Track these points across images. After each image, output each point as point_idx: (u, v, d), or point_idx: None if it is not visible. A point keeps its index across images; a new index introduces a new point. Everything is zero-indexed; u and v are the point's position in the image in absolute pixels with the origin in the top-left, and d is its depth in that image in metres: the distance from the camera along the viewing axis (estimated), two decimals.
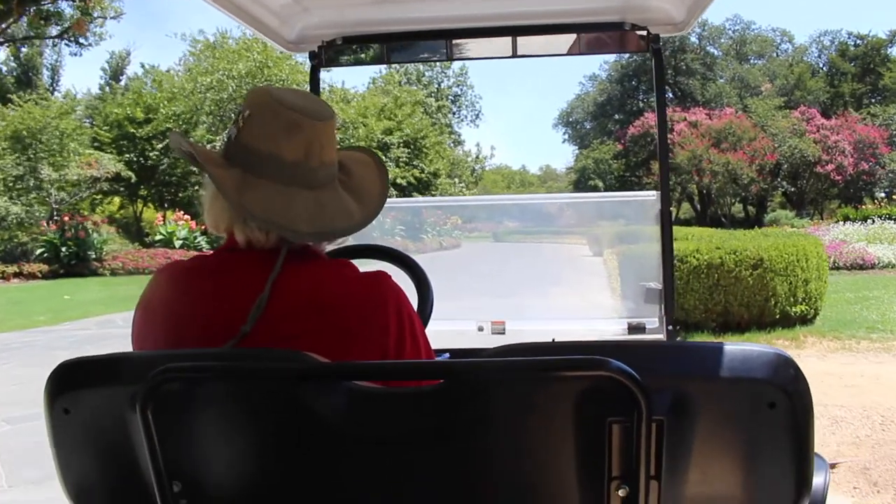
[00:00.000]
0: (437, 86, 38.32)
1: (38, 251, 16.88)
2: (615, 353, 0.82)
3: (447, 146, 33.15)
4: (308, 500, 0.95)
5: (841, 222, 18.39)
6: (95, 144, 23.48)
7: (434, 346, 1.24)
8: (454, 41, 2.16)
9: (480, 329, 2.30)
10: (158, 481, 0.90)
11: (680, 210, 31.80)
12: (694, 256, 7.27)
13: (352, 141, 23.51)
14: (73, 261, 16.78)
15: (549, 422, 0.87)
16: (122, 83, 31.52)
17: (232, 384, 0.94)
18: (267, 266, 1.09)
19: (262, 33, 2.07)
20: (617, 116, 36.21)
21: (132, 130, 24.35)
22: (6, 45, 22.35)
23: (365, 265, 1.42)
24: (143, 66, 39.24)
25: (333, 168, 1.16)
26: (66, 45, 26.93)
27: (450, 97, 39.37)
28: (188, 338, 1.07)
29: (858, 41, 35.13)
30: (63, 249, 16.76)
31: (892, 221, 16.68)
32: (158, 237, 19.99)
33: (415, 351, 1.14)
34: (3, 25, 17.81)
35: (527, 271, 4.31)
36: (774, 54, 36.89)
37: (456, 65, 37.11)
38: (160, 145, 23.55)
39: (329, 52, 2.16)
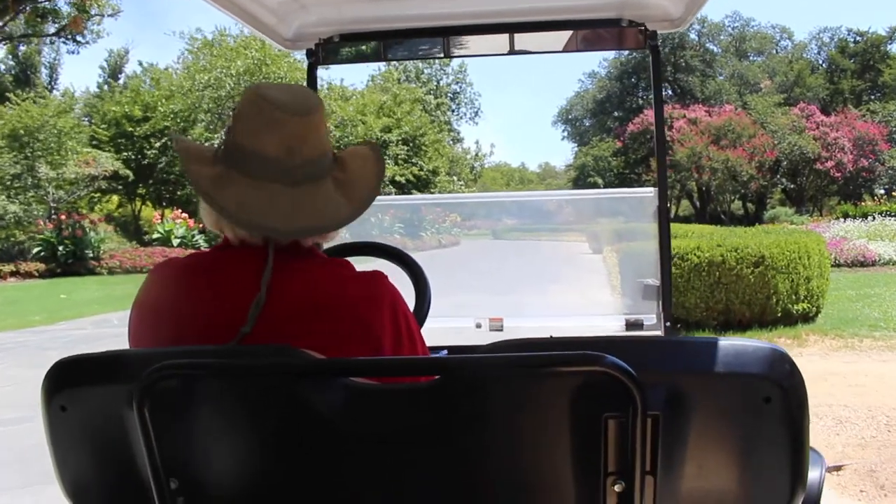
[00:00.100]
0: (436, 83, 38.30)
1: (35, 250, 16.83)
2: (610, 349, 0.82)
3: (446, 144, 33.17)
4: (305, 496, 0.95)
5: (841, 219, 18.40)
6: (93, 143, 23.46)
7: (432, 342, 1.24)
8: (451, 38, 2.15)
9: (478, 326, 2.29)
10: (155, 478, 0.90)
11: (679, 207, 31.84)
12: (695, 254, 7.15)
13: (350, 139, 23.49)
14: (70, 259, 16.74)
15: (545, 417, 0.87)
16: (121, 81, 31.45)
17: (228, 381, 0.94)
18: (259, 263, 1.08)
19: (260, 31, 2.07)
20: (616, 114, 36.22)
21: (130, 129, 24.32)
22: (3, 43, 22.31)
23: (363, 263, 1.42)
24: (141, 64, 39.47)
25: (322, 162, 1.13)
26: (63, 43, 26.98)
27: (449, 94, 39.35)
28: (188, 337, 1.07)
29: (858, 38, 35.15)
30: (60, 248, 16.71)
31: (892, 218, 16.67)
32: (156, 235, 19.93)
33: (411, 351, 1.14)
34: (0, 23, 17.78)
35: (526, 268, 4.29)
36: (774, 51, 36.89)
37: (455, 62, 37.13)
38: (158, 143, 23.53)
39: (326, 50, 2.16)
